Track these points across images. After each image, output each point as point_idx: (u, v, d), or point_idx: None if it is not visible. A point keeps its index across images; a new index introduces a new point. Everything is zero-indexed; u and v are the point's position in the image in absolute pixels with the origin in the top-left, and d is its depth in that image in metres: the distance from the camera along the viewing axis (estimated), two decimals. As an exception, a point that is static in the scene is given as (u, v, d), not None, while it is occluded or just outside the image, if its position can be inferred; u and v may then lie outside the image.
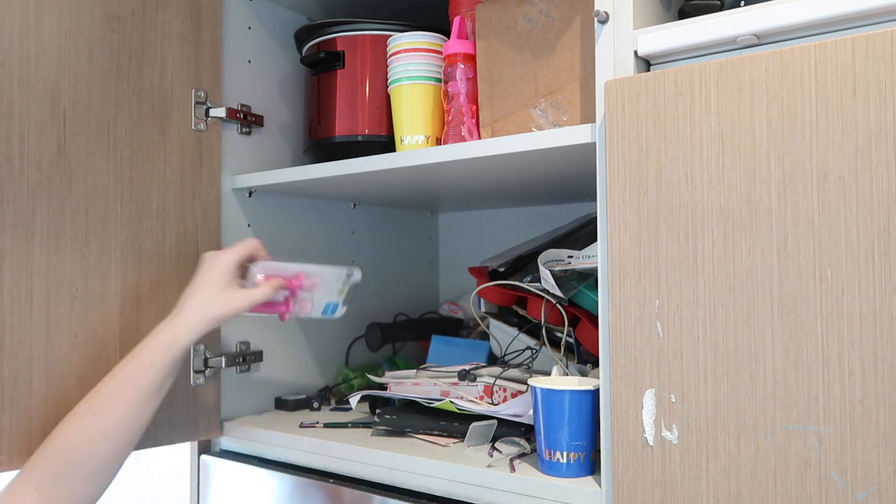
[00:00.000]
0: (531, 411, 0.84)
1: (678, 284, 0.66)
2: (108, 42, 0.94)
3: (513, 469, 0.81)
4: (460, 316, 1.44)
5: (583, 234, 1.18)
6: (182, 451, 1.14)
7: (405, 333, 1.27)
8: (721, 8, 0.73)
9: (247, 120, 1.11)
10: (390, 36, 1.02)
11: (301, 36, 1.14)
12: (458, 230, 1.53)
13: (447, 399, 0.95)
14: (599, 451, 0.74)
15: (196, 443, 1.09)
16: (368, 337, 1.23)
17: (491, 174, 0.99)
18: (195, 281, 0.90)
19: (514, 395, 0.97)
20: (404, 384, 1.04)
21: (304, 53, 1.14)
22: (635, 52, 0.72)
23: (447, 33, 0.98)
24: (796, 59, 0.61)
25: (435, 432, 0.96)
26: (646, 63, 0.74)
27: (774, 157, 0.62)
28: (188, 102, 1.03)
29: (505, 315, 1.20)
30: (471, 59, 0.94)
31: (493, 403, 0.96)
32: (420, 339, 1.32)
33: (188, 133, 1.03)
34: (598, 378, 0.77)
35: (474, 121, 0.94)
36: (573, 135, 0.77)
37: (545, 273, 0.97)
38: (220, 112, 1.06)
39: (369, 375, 1.12)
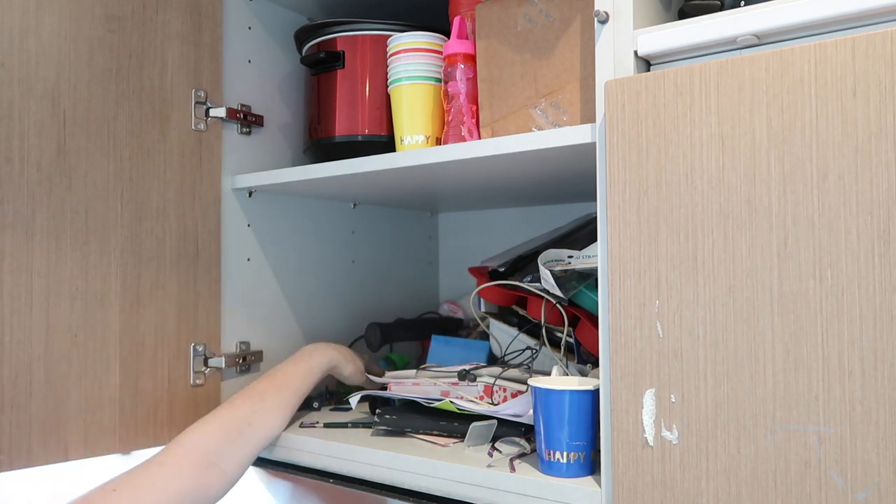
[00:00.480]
0: (531, 411, 0.84)
1: (678, 284, 0.66)
2: (108, 42, 0.94)
3: (513, 469, 0.81)
4: (460, 316, 1.43)
5: (583, 234, 1.18)
6: (182, 451, 1.14)
7: (405, 333, 1.27)
8: (721, 8, 0.73)
9: (247, 120, 1.11)
10: (390, 36, 1.02)
11: (301, 36, 1.14)
12: (458, 230, 1.53)
13: (447, 399, 0.95)
14: (599, 451, 0.74)
15: (196, 443, 1.09)
16: (368, 337, 1.23)
17: (491, 174, 0.99)
18: (354, 354, 1.13)
19: (514, 395, 0.97)
20: (404, 384, 1.03)
21: (304, 53, 1.14)
22: (635, 52, 0.72)
23: (447, 33, 0.98)
24: (796, 59, 0.61)
25: (435, 432, 0.96)
26: (646, 63, 0.74)
27: (774, 157, 0.62)
28: (188, 102, 1.03)
29: (505, 315, 1.20)
30: (471, 59, 0.94)
31: (493, 403, 0.96)
32: (420, 339, 1.32)
33: (188, 133, 1.03)
34: (598, 378, 0.76)
35: (474, 121, 0.94)
36: (573, 135, 0.77)
37: (545, 273, 0.97)
38: (220, 112, 1.06)
39: (368, 375, 1.12)
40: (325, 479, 0.94)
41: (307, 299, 1.22)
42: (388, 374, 1.08)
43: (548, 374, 0.99)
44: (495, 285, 1.12)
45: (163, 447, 0.88)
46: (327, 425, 1.03)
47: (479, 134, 0.93)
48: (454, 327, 1.35)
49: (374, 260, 1.37)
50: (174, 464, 0.85)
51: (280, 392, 0.99)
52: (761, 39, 0.67)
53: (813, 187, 0.60)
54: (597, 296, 0.87)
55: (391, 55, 1.01)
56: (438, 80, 0.99)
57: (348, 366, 1.09)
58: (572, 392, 0.77)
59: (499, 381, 0.97)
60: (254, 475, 1.01)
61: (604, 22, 0.74)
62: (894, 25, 0.61)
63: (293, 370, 1.02)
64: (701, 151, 0.65)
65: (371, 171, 0.95)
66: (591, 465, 0.79)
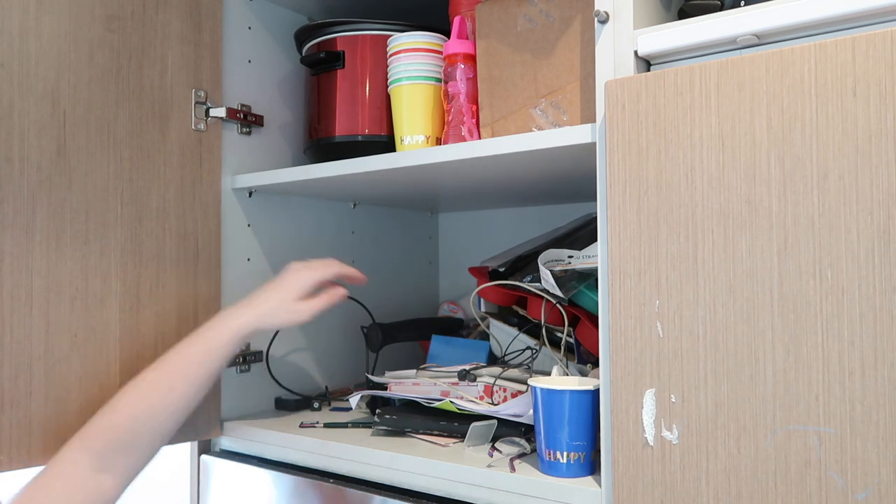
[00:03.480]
0: (531, 411, 0.84)
1: (678, 284, 0.66)
2: (108, 42, 0.94)
3: (513, 469, 0.81)
4: (460, 316, 1.43)
5: (583, 234, 1.18)
6: (182, 451, 1.14)
7: (406, 333, 1.27)
8: (721, 8, 0.73)
9: (247, 120, 1.11)
10: (390, 36, 1.02)
11: (301, 36, 1.14)
12: (458, 230, 1.53)
13: (447, 399, 0.95)
14: (599, 451, 0.74)
15: (196, 443, 1.09)
16: (369, 337, 1.23)
17: (491, 174, 0.99)
18: (275, 283, 0.97)
19: (514, 395, 0.97)
20: (404, 384, 1.03)
21: (304, 53, 1.14)
22: (635, 52, 0.72)
23: (447, 33, 0.98)
24: (796, 59, 0.61)
25: (435, 432, 0.96)
26: (646, 63, 0.74)
27: (774, 157, 0.62)
28: (188, 102, 1.03)
29: (505, 315, 1.20)
30: (471, 59, 0.94)
31: (493, 403, 0.96)
32: (420, 339, 1.32)
33: (188, 133, 1.03)
34: (598, 378, 0.77)
35: (474, 121, 0.94)
36: (573, 135, 0.77)
37: (545, 273, 0.97)
38: (220, 112, 1.06)
39: (368, 375, 1.12)
40: (325, 479, 0.94)
41: (307, 299, 1.22)
42: (388, 373, 1.08)
43: (548, 374, 0.99)
44: (495, 285, 1.12)
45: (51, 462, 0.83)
46: (327, 425, 1.03)
47: (479, 134, 0.93)
48: (454, 327, 1.35)
49: (374, 260, 1.37)
50: (61, 482, 0.81)
51: (173, 388, 0.88)
52: (761, 39, 0.67)
53: (813, 187, 0.60)
54: (597, 296, 0.87)
55: (391, 55, 1.01)
56: (438, 80, 0.99)
57: (268, 317, 0.94)
58: (572, 392, 0.77)
59: (499, 381, 0.97)
60: (253, 475, 1.01)
61: (604, 22, 0.74)
62: (894, 25, 0.61)
63: (193, 352, 0.90)
64: (701, 151, 0.65)
65: (371, 171, 0.95)
66: (591, 465, 0.79)
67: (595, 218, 1.19)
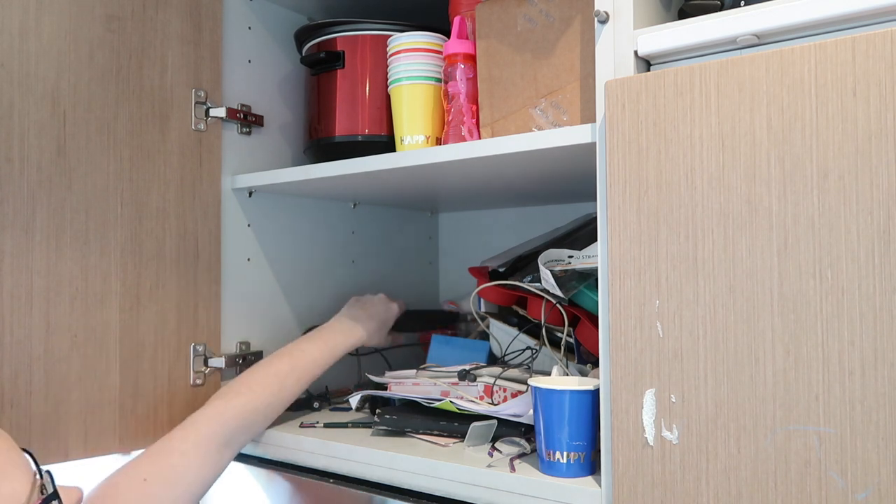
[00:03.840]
0: (531, 411, 0.84)
1: (678, 284, 0.66)
2: (108, 42, 0.94)
3: (513, 469, 0.81)
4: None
5: (583, 234, 1.18)
6: (182, 451, 1.14)
7: (412, 323, 1.29)
8: (721, 8, 0.73)
9: (247, 120, 1.11)
10: (390, 36, 1.02)
11: (301, 36, 1.14)
12: (458, 230, 1.53)
13: (447, 399, 0.95)
14: (599, 451, 0.74)
15: (196, 443, 1.09)
16: None
17: (491, 174, 0.99)
18: (371, 311, 1.14)
19: (514, 395, 0.97)
20: (404, 384, 1.03)
21: (304, 53, 1.14)
22: (635, 52, 0.72)
23: (447, 33, 0.98)
24: (796, 59, 0.61)
25: (435, 432, 0.96)
26: (646, 63, 0.74)
27: (774, 157, 0.62)
28: (188, 102, 1.03)
29: (505, 315, 1.20)
30: (471, 59, 0.94)
31: (493, 403, 0.96)
32: (425, 330, 1.33)
33: (188, 133, 1.03)
34: (598, 378, 0.76)
35: (474, 121, 0.94)
36: (573, 135, 0.77)
37: (545, 273, 0.97)
38: (220, 112, 1.06)
39: (368, 375, 1.12)
40: (325, 479, 0.94)
41: (307, 299, 1.22)
42: (388, 373, 1.08)
43: (548, 374, 0.99)
44: (495, 285, 1.12)
45: (179, 427, 0.90)
46: (327, 425, 1.03)
47: (479, 134, 0.93)
48: (452, 320, 1.37)
49: (374, 260, 1.37)
50: (198, 455, 0.88)
51: (299, 381, 1.00)
52: (761, 39, 0.67)
53: (813, 187, 0.60)
54: (597, 296, 0.87)
55: (391, 55, 1.01)
56: (438, 80, 0.99)
57: (373, 337, 1.12)
58: (572, 392, 0.77)
59: (499, 381, 0.97)
60: (253, 475, 1.01)
61: (604, 22, 0.74)
62: (894, 25, 0.61)
63: (316, 355, 1.03)
64: (701, 151, 0.65)
65: (371, 171, 0.95)
66: (591, 465, 0.79)
67: (595, 218, 1.19)
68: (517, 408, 0.89)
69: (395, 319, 1.20)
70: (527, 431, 0.92)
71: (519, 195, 1.25)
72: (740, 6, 0.70)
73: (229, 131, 1.10)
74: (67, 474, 1.01)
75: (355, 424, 1.02)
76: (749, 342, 0.63)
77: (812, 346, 0.60)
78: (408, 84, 0.99)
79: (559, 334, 1.08)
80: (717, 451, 0.64)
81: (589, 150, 0.78)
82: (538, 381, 0.81)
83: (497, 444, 0.91)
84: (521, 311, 1.15)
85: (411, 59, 0.99)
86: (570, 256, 1.00)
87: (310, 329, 1.14)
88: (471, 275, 1.23)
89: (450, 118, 0.95)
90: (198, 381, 1.03)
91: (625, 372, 0.69)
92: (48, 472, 0.65)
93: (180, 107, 1.02)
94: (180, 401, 1.00)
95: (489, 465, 0.82)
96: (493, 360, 1.18)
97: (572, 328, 1.05)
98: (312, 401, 1.14)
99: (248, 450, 1.04)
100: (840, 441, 0.59)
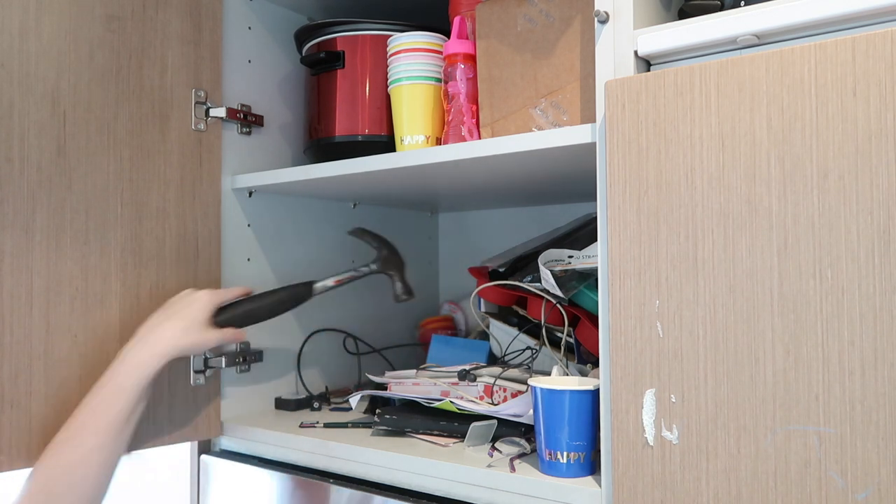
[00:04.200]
0: (531, 411, 0.84)
1: (678, 284, 0.66)
2: (108, 42, 0.94)
3: (513, 469, 0.81)
4: (459, 315, 1.44)
5: (583, 234, 1.18)
6: (182, 451, 1.14)
7: (242, 316, 1.01)
8: (721, 8, 0.73)
9: (247, 120, 1.11)
10: (390, 36, 1.02)
11: (301, 36, 1.14)
12: (458, 230, 1.53)
13: (447, 399, 0.95)
14: (599, 451, 0.74)
15: (196, 443, 1.09)
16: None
17: (491, 174, 0.99)
18: (171, 310, 0.93)
19: (514, 395, 0.97)
20: (404, 384, 1.03)
21: (304, 53, 1.14)
22: (635, 52, 0.72)
23: (447, 33, 0.98)
24: (796, 59, 0.61)
25: (435, 432, 0.96)
26: (646, 63, 0.74)
27: (774, 157, 0.62)
28: (188, 102, 1.03)
29: (505, 315, 1.20)
30: (471, 59, 0.94)
31: (493, 403, 0.96)
32: (266, 318, 1.04)
33: (188, 133, 1.03)
34: (598, 378, 0.76)
35: (474, 121, 0.94)
36: (573, 135, 0.77)
37: (545, 273, 0.97)
38: (220, 112, 1.06)
39: (368, 375, 1.12)
40: (325, 479, 0.94)
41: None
42: (388, 373, 1.08)
43: (548, 374, 0.99)
44: (495, 285, 1.12)
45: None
46: (327, 425, 1.03)
47: (479, 134, 0.93)
48: (307, 294, 1.06)
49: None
50: None
51: (99, 433, 0.83)
52: (761, 39, 0.67)
53: (813, 187, 0.60)
54: (597, 296, 0.87)
55: (391, 55, 1.01)
56: (438, 80, 0.99)
57: (181, 339, 0.90)
58: (572, 392, 0.77)
59: (499, 381, 0.97)
60: (253, 475, 1.01)
61: (604, 22, 0.74)
62: (894, 25, 0.61)
63: (107, 394, 0.85)
64: (701, 151, 0.65)
65: (371, 171, 0.95)
66: (591, 465, 0.79)
67: (595, 218, 1.19)
68: (517, 408, 0.89)
69: (218, 310, 0.98)
70: (527, 431, 0.92)
71: (519, 195, 1.25)
72: (740, 6, 0.70)
73: (229, 131, 1.10)
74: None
75: (355, 424, 1.02)
76: (749, 342, 0.63)
77: (812, 346, 0.60)
78: (408, 84, 0.99)
79: (559, 334, 1.08)
80: (717, 451, 0.64)
81: (589, 150, 0.78)
82: (538, 381, 0.81)
83: (497, 444, 0.91)
84: (521, 311, 1.15)
85: (411, 59, 0.99)
86: (570, 256, 1.00)
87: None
88: (471, 275, 1.23)
89: (450, 118, 0.95)
90: (198, 381, 1.03)
91: (625, 372, 0.69)
92: None
93: (180, 107, 1.02)
94: (180, 401, 1.00)
95: (489, 465, 0.82)
96: (493, 360, 1.18)
97: (572, 328, 1.05)
98: (312, 401, 1.14)
99: (249, 449, 1.04)
100: (840, 441, 0.59)
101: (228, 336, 0.96)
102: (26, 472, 0.83)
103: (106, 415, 0.84)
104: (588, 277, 1.01)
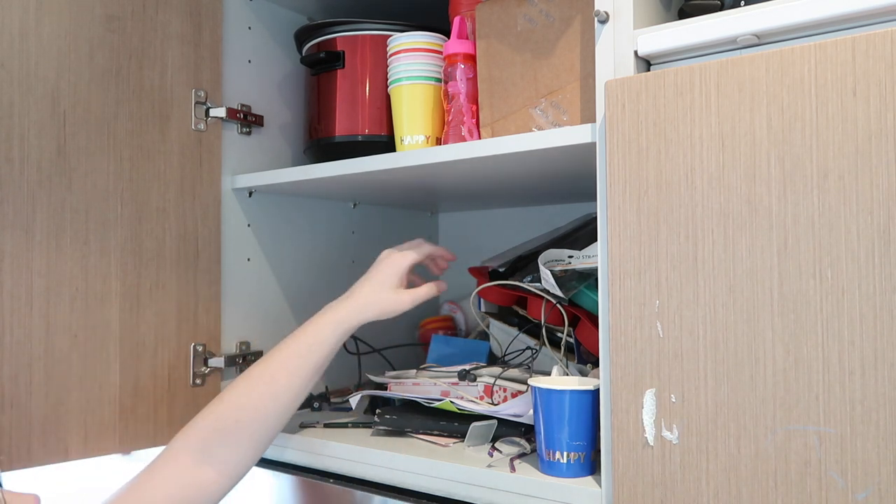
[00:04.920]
0: (531, 411, 0.84)
1: (678, 284, 0.66)
2: (108, 42, 0.94)
3: (513, 469, 0.81)
4: (459, 316, 1.44)
5: (583, 234, 1.18)
6: (182, 451, 1.14)
7: None
8: (721, 8, 0.73)
9: (247, 120, 1.11)
10: (390, 36, 1.02)
11: (301, 36, 1.14)
12: (458, 230, 1.53)
13: (447, 399, 0.95)
14: (599, 451, 0.74)
15: (196, 443, 1.09)
16: None
17: (491, 174, 0.99)
18: (372, 272, 0.98)
19: (514, 395, 0.97)
20: (404, 384, 1.03)
21: (304, 53, 1.14)
22: (635, 52, 0.72)
23: (447, 33, 0.98)
24: (796, 59, 0.61)
25: (435, 432, 0.96)
26: (646, 63, 0.74)
27: (774, 157, 0.62)
28: (188, 102, 1.03)
29: (505, 315, 1.20)
30: (471, 59, 0.94)
31: (493, 403, 0.96)
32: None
33: (188, 133, 1.03)
34: (598, 378, 0.76)
35: (474, 121, 0.94)
36: (573, 135, 0.77)
37: (545, 273, 0.97)
38: (220, 112, 1.06)
39: (369, 375, 1.12)
40: (325, 479, 0.94)
41: (307, 299, 1.22)
42: (388, 373, 1.08)
43: (548, 374, 0.99)
44: (495, 285, 1.12)
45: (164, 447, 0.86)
46: (327, 425, 1.03)
47: (479, 134, 0.93)
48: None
49: (375, 260, 1.37)
50: (162, 475, 0.82)
51: (293, 374, 0.89)
52: (761, 39, 0.67)
53: (813, 187, 0.60)
54: (597, 296, 0.87)
55: (391, 55, 1.01)
56: (438, 80, 0.99)
57: (372, 305, 0.94)
58: (572, 392, 0.77)
59: (499, 381, 0.97)
60: (253, 475, 1.01)
61: (604, 22, 0.74)
62: (894, 25, 0.61)
63: (296, 345, 0.91)
64: (701, 151, 0.65)
65: (371, 171, 0.95)
66: (591, 465, 0.79)
67: (595, 218, 1.19)
68: (517, 408, 0.89)
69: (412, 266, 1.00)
70: (527, 431, 0.92)
71: (519, 195, 1.25)
72: (740, 6, 0.70)
73: (229, 131, 1.10)
74: (66, 474, 1.01)
75: (355, 424, 1.02)
76: (749, 342, 0.63)
77: (812, 346, 0.60)
78: (408, 84, 0.99)
79: (559, 334, 1.08)
80: (717, 451, 0.64)
81: (589, 150, 0.78)
82: (538, 381, 0.81)
83: (497, 444, 0.91)
84: (521, 311, 1.15)
85: (411, 59, 0.99)
86: (570, 256, 1.00)
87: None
88: (471, 275, 1.23)
89: (450, 118, 0.95)
90: (198, 381, 1.03)
91: (625, 372, 0.69)
92: None
93: (180, 107, 1.02)
94: (180, 401, 1.00)
95: (489, 465, 0.82)
96: (493, 360, 1.18)
97: (572, 328, 1.05)
98: (312, 401, 1.14)
99: (248, 450, 1.04)
100: (840, 441, 0.59)
101: (422, 293, 0.98)
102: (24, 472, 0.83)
103: (306, 360, 0.90)
104: (588, 277, 1.01)
